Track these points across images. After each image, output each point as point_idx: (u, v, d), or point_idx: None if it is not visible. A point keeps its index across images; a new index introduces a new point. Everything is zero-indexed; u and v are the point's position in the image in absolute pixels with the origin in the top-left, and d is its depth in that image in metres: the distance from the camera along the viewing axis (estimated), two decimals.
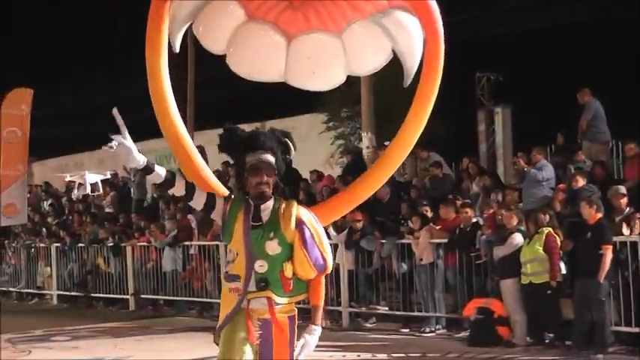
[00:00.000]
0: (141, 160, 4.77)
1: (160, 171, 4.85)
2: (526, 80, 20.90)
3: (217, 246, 16.12)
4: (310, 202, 16.61)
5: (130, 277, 18.38)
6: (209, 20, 5.57)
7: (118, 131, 4.73)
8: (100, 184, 25.23)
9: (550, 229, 11.56)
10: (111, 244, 19.02)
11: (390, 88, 20.46)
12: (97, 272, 19.35)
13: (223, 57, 5.64)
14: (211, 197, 5.03)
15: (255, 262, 4.92)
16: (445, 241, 13.24)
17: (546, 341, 11.67)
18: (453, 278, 13.25)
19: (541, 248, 11.45)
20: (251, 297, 4.92)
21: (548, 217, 11.79)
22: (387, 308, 14.32)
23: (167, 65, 5.59)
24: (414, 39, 5.51)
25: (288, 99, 24.05)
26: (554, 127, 16.48)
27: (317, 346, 5.09)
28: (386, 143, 17.70)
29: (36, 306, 20.55)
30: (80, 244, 20.10)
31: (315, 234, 5.01)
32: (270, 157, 5.00)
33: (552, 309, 11.54)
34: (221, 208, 5.02)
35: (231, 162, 6.12)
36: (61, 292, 20.44)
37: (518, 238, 11.85)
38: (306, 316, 5.11)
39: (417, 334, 13.30)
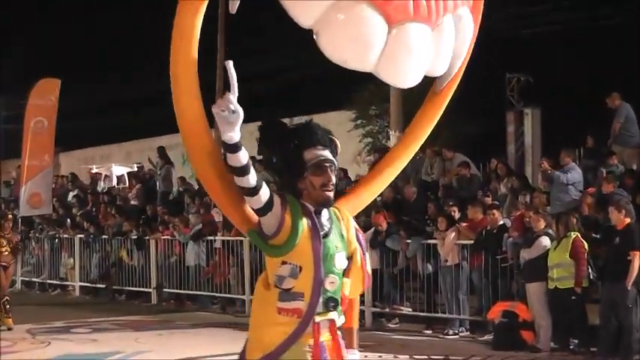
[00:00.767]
0: (239, 134, 3.94)
1: (244, 153, 3.98)
2: (556, 82, 20.65)
3: (241, 241, 16.05)
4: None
5: (153, 270, 18.32)
6: None
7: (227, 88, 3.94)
8: (126, 177, 25.27)
9: (577, 233, 11.40)
10: (134, 237, 18.98)
11: (418, 87, 20.33)
12: (120, 265, 19.33)
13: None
14: (272, 196, 4.13)
15: (327, 279, 4.17)
16: (471, 242, 13.09)
17: (571, 347, 11.51)
18: (478, 280, 13.11)
19: (568, 253, 11.29)
20: (319, 319, 4.17)
21: (575, 220, 11.64)
22: (410, 309, 14.20)
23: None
24: (467, 41, 5.12)
25: (316, 94, 24.13)
26: (584, 130, 16.27)
27: None
28: None
29: (58, 297, 20.50)
30: (104, 236, 20.07)
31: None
32: (330, 155, 4.26)
33: (578, 315, 11.39)
34: (279, 211, 4.11)
35: (259, 157, 5.14)
36: (84, 284, 20.42)
37: (545, 241, 11.70)
38: None
39: (441, 336, 13.19)
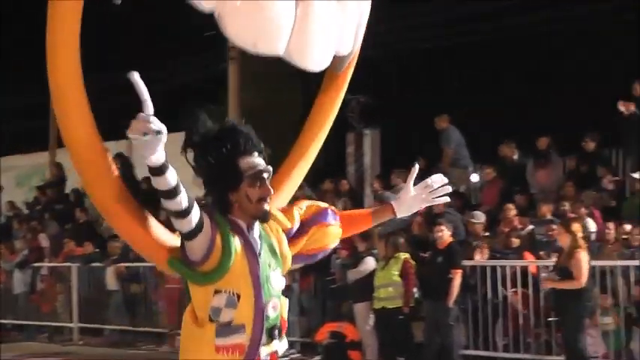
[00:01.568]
0: (164, 156, 3.29)
1: (172, 173, 3.34)
2: (394, 103, 20.97)
3: (69, 267, 15.58)
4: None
5: None
6: None
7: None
8: None
9: (407, 254, 11.48)
10: None
11: (256, 105, 20.33)
12: None
13: None
14: (202, 214, 3.49)
15: (269, 304, 3.61)
16: (300, 264, 12.99)
17: None
18: (308, 301, 13.06)
19: (397, 273, 11.35)
20: (264, 354, 3.60)
21: (402, 240, 11.73)
22: None
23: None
24: (365, 14, 4.70)
25: (162, 115, 23.72)
26: (419, 151, 16.52)
27: None
28: None
29: None
30: None
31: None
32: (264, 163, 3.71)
33: (404, 333, 11.47)
34: (209, 230, 3.49)
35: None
36: None
37: (370, 262, 11.75)
38: None
39: None
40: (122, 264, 15.05)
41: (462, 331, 11.30)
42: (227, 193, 3.60)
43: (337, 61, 4.53)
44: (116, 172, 3.76)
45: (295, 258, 3.86)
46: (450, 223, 11.56)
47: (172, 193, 3.33)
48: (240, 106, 20.01)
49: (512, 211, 12.37)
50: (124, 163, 20.20)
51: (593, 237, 11.09)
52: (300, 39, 4.13)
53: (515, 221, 12.17)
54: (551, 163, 13.64)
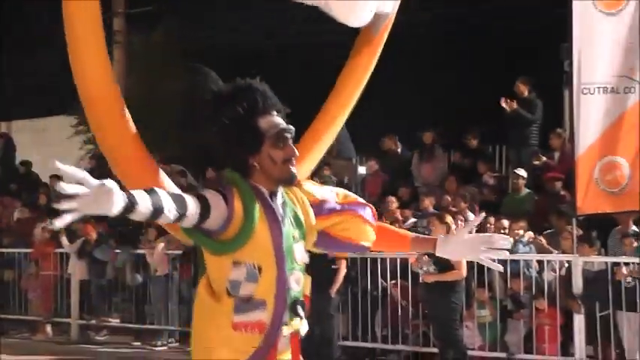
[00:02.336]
0: (122, 198, 2.83)
1: (143, 200, 2.92)
2: (282, 93, 20.94)
3: None
4: (52, 211, 15.84)
5: None
6: None
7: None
8: None
9: None
10: None
11: (142, 94, 19.96)
12: None
13: None
14: (204, 200, 3.14)
15: (291, 277, 3.31)
16: (181, 252, 12.85)
17: None
18: (188, 290, 12.88)
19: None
20: (287, 331, 3.31)
21: None
22: (118, 320, 13.79)
23: None
24: None
25: (37, 98, 23.09)
26: None
27: None
28: None
29: None
30: None
31: None
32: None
33: None
34: (221, 203, 3.17)
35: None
36: None
37: None
38: None
39: (149, 348, 12.87)
40: None
41: (342, 322, 11.32)
42: (247, 157, 3.30)
43: (375, 22, 4.38)
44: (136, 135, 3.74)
45: (322, 238, 3.55)
46: None
47: (155, 214, 2.97)
48: (124, 92, 19.63)
49: (394, 203, 12.47)
50: (7, 143, 19.66)
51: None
52: None
53: (397, 213, 12.27)
54: (435, 158, 13.82)
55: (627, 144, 9.69)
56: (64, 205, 2.70)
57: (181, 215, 3.04)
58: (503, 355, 10.47)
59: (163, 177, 3.75)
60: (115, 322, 13.79)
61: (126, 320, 13.64)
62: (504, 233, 11.00)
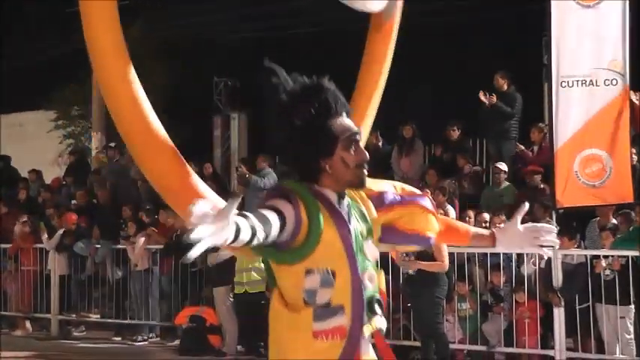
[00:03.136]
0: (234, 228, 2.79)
1: (245, 228, 2.84)
2: (261, 87, 20.90)
3: None
4: (32, 206, 15.79)
5: None
6: None
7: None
8: None
9: None
10: None
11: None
12: None
13: None
14: (280, 213, 3.05)
15: (364, 275, 3.22)
16: (161, 247, 12.79)
17: (261, 350, 11.50)
18: (168, 285, 12.85)
19: (260, 257, 11.20)
20: (368, 333, 3.25)
21: None
22: (98, 316, 13.75)
23: None
24: None
25: (14, 93, 22.98)
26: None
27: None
28: (111, 145, 17.17)
29: None
30: None
31: None
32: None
33: (264, 318, 11.33)
34: (291, 210, 3.09)
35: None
36: None
37: None
38: None
39: (130, 343, 12.84)
40: None
41: None
42: (319, 159, 3.21)
43: (387, 7, 4.37)
44: (169, 143, 3.64)
45: (387, 232, 3.47)
46: None
47: (251, 240, 2.88)
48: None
49: None
50: None
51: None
52: None
53: None
54: (414, 151, 13.81)
55: (609, 137, 9.69)
56: (195, 237, 2.68)
57: (267, 235, 2.96)
58: (483, 348, 10.50)
59: (205, 188, 3.72)
60: (95, 317, 13.75)
61: (106, 315, 13.59)
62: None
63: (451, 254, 10.08)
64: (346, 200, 3.29)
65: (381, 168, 13.91)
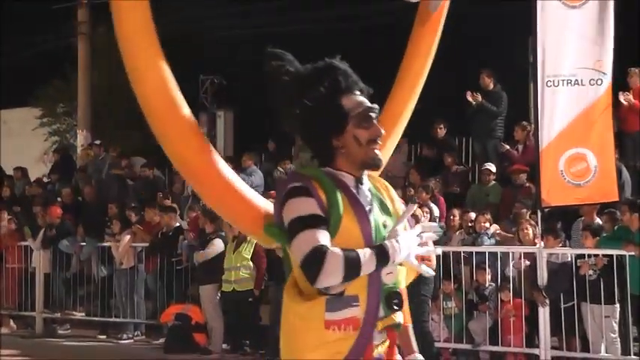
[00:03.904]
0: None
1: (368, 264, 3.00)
2: (248, 85, 20.86)
3: None
4: (20, 201, 15.75)
5: None
6: None
7: None
8: None
9: None
10: None
11: (105, 85, 19.86)
12: None
13: None
14: (317, 218, 3.03)
15: (383, 269, 3.09)
16: (146, 245, 12.77)
17: (246, 348, 11.49)
18: (153, 283, 12.83)
19: (249, 256, 11.22)
20: (382, 326, 3.13)
21: None
22: (83, 314, 13.72)
23: None
24: None
25: None
26: (270, 134, 16.47)
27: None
28: (96, 142, 17.13)
29: None
30: None
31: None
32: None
33: (252, 316, 11.41)
34: (318, 209, 3.03)
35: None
36: None
37: (218, 244, 11.60)
38: None
39: (115, 341, 12.81)
40: None
41: None
42: (330, 138, 3.14)
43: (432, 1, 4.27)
44: (201, 133, 3.42)
45: None
46: None
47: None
48: (89, 83, 19.51)
49: None
50: None
51: (436, 222, 11.23)
52: None
53: None
54: (398, 150, 13.80)
55: (594, 136, 9.71)
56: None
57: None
58: (468, 346, 10.52)
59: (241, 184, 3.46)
60: (80, 315, 13.72)
61: (91, 313, 13.56)
62: (471, 226, 11.06)
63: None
64: (366, 187, 3.20)
65: None
